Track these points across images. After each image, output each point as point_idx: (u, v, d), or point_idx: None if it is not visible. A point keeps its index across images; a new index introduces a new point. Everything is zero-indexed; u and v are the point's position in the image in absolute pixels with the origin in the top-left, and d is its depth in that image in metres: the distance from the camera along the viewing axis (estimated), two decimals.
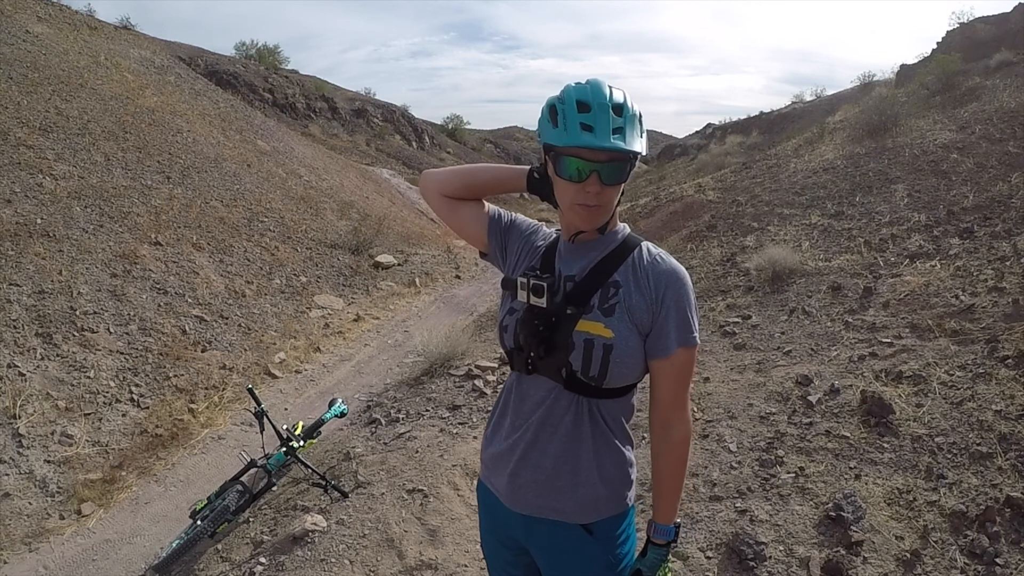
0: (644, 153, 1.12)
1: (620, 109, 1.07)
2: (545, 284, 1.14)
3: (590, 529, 1.20)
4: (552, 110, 1.12)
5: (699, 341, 1.16)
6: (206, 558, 3.12)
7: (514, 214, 1.41)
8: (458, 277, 10.02)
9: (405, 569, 2.58)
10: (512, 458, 1.21)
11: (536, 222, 1.40)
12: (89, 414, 4.42)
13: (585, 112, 1.06)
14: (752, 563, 2.32)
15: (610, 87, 1.09)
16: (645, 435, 2.87)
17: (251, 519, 3.36)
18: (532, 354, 1.16)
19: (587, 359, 1.12)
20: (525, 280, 1.16)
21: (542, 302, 1.14)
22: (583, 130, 1.06)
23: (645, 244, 1.22)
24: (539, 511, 1.21)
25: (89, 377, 4.68)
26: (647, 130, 1.16)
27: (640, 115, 1.12)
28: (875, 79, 20.46)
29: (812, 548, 2.35)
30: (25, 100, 7.66)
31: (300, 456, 3.29)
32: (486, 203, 1.40)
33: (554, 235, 1.31)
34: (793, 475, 2.80)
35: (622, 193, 1.18)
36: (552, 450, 1.17)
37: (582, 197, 1.11)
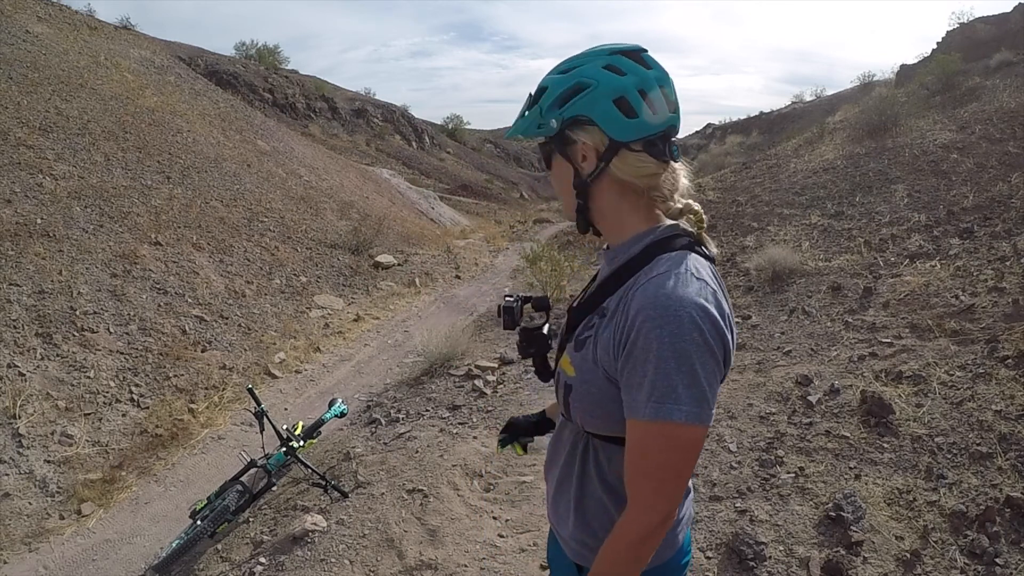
0: (530, 128, 0.95)
1: (533, 90, 0.98)
2: (501, 306, 1.10)
3: (582, 572, 1.06)
4: None
5: (680, 417, 0.78)
6: (206, 558, 3.12)
7: None
8: (458, 277, 10.01)
9: (405, 569, 2.58)
10: (546, 463, 1.16)
11: None
12: (89, 414, 4.42)
13: None
14: (752, 563, 2.32)
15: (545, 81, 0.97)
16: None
17: (251, 519, 3.36)
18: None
19: (557, 393, 1.02)
20: (500, 303, 1.13)
21: (500, 323, 1.11)
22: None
23: (664, 258, 0.88)
24: (553, 527, 1.14)
25: (89, 377, 4.68)
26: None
27: (538, 89, 0.95)
28: (875, 79, 20.51)
29: (812, 548, 2.35)
30: (25, 100, 7.66)
31: (300, 456, 3.29)
32: None
33: None
34: (793, 475, 2.80)
35: (580, 188, 0.96)
36: (556, 474, 1.09)
37: None
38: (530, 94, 0.97)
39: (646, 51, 0.93)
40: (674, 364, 0.78)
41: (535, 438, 1.39)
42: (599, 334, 0.90)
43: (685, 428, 0.79)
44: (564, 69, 0.93)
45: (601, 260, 1.05)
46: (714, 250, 0.97)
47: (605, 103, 0.88)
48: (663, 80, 0.91)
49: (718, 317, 0.82)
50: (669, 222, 0.96)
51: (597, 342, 0.89)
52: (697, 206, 0.98)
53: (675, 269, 0.85)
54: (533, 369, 1.15)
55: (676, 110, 0.92)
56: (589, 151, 0.92)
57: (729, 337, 0.85)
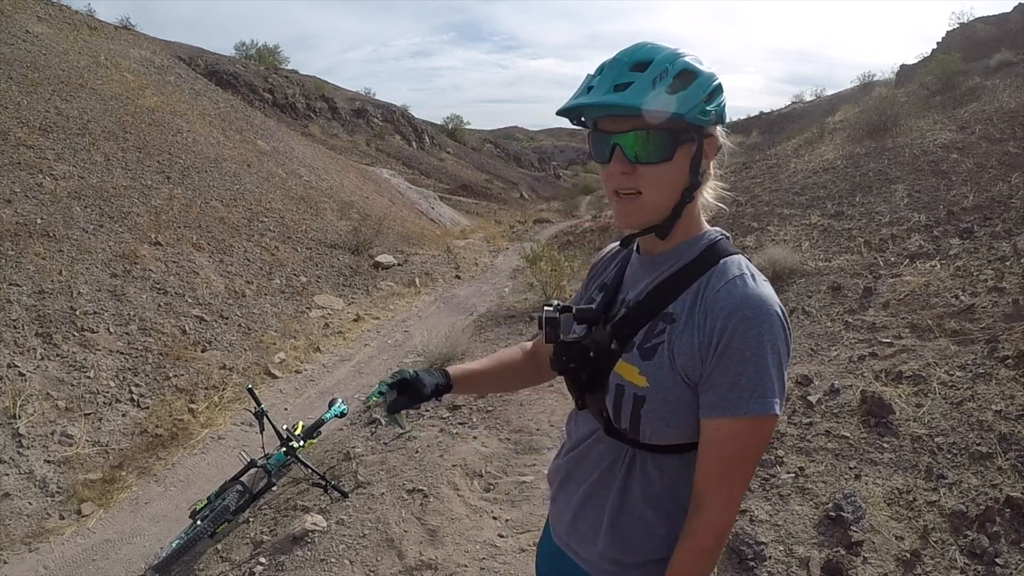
0: (684, 111, 0.84)
1: (643, 65, 0.84)
2: (544, 317, 0.99)
3: None
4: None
5: (775, 410, 0.82)
6: (206, 558, 3.12)
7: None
8: (458, 277, 10.02)
9: (405, 569, 2.58)
10: (556, 481, 1.11)
11: None
12: (89, 414, 4.42)
13: (599, 73, 0.88)
14: (752, 563, 2.32)
15: (654, 47, 0.87)
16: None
17: (251, 519, 3.36)
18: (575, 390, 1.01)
19: (617, 407, 0.93)
20: (540, 314, 1.00)
21: (542, 336, 0.99)
22: (583, 92, 0.88)
23: (731, 261, 0.90)
24: (567, 548, 1.09)
25: (89, 377, 4.68)
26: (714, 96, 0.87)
27: (687, 71, 0.85)
28: (875, 79, 20.51)
29: (812, 548, 2.35)
30: (25, 100, 7.66)
31: (300, 456, 3.29)
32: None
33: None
34: (793, 475, 2.80)
35: (692, 185, 0.90)
36: (584, 490, 1.02)
37: (614, 182, 0.90)
38: (663, 68, 0.84)
39: None
40: (770, 360, 0.82)
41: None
42: (673, 340, 0.87)
43: (774, 419, 0.84)
44: (699, 62, 0.87)
45: (636, 261, 1.02)
46: None
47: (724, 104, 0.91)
48: None
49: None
50: (710, 226, 0.99)
51: (674, 348, 0.87)
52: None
53: (747, 271, 0.88)
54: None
55: None
56: (714, 148, 0.92)
57: None
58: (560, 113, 0.93)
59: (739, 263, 0.90)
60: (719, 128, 0.92)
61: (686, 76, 0.85)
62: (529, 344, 1.34)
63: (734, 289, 0.85)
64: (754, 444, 0.86)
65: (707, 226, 0.97)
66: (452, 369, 1.22)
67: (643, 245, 1.00)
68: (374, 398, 1.17)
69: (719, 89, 0.88)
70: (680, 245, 0.94)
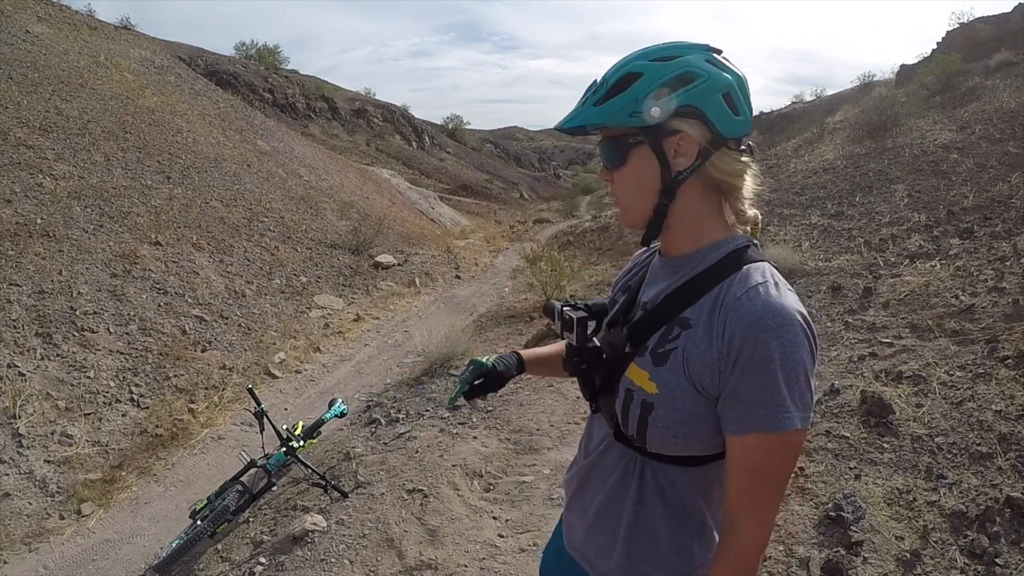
0: (618, 117, 0.85)
1: (609, 76, 0.87)
2: (575, 318, 0.95)
3: None
4: None
5: (799, 424, 0.78)
6: (206, 558, 3.12)
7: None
8: (458, 277, 10.02)
9: (405, 569, 2.58)
10: (571, 490, 1.09)
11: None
12: (89, 414, 4.42)
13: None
14: None
15: (628, 57, 0.88)
16: None
17: (251, 519, 3.36)
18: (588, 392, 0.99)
19: (624, 413, 0.90)
20: (560, 310, 0.98)
21: (572, 338, 0.95)
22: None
23: (755, 267, 0.86)
24: (582, 559, 1.06)
25: (89, 377, 4.68)
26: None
27: (629, 74, 0.85)
28: (875, 79, 20.50)
29: (812, 548, 2.35)
30: (25, 100, 7.66)
31: (300, 456, 3.29)
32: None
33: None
34: (793, 475, 2.80)
35: (665, 191, 0.88)
36: (598, 501, 1.00)
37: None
38: (604, 81, 0.87)
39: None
40: (794, 372, 0.78)
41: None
42: (688, 347, 0.84)
43: (801, 434, 0.79)
44: (660, 57, 0.85)
45: (657, 263, 1.00)
46: None
47: (715, 97, 0.84)
48: (746, 83, 0.90)
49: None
50: (741, 230, 0.94)
51: (687, 355, 0.84)
52: (757, 213, 0.95)
53: (771, 279, 0.84)
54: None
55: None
56: (690, 145, 0.85)
57: None
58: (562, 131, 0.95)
59: (763, 270, 0.85)
60: (691, 122, 0.84)
61: (626, 80, 0.85)
62: None
63: (756, 297, 0.80)
64: (784, 460, 0.82)
65: (734, 231, 0.92)
66: (524, 353, 1.28)
67: (664, 247, 0.97)
68: (458, 394, 1.20)
69: (680, 80, 0.83)
70: (702, 249, 0.90)
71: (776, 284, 0.83)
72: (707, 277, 0.87)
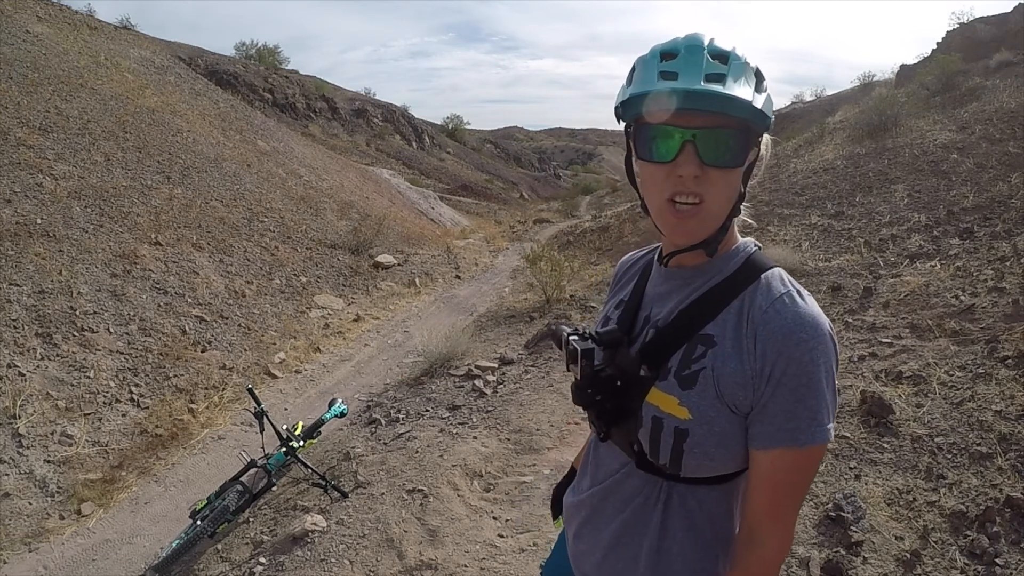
0: (767, 115, 0.78)
1: (723, 57, 0.76)
2: (580, 350, 0.86)
3: None
4: (631, 72, 0.83)
5: (829, 436, 0.76)
6: (206, 558, 3.12)
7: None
8: (458, 277, 10.02)
9: (405, 569, 2.58)
10: (578, 517, 1.02)
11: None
12: (89, 414, 4.42)
13: (670, 60, 0.78)
14: None
15: (713, 38, 0.79)
16: None
17: (251, 519, 3.36)
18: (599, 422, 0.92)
19: (654, 442, 0.83)
20: (566, 339, 0.89)
21: (577, 371, 0.87)
22: (663, 79, 0.77)
23: (773, 275, 0.82)
24: None
25: (89, 377, 4.68)
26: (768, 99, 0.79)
27: (759, 70, 0.79)
28: (875, 79, 20.49)
29: (812, 548, 2.35)
30: (25, 100, 7.66)
31: (300, 456, 3.29)
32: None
33: (650, 254, 1.00)
34: None
35: (742, 196, 0.83)
36: (614, 528, 0.94)
37: (672, 185, 0.79)
38: (746, 63, 0.77)
39: None
40: (825, 384, 0.76)
41: None
42: (718, 366, 0.79)
43: (826, 446, 0.78)
44: (734, 48, 0.79)
45: (657, 275, 0.93)
46: None
47: None
48: None
49: None
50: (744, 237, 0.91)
51: (718, 375, 0.79)
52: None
53: (792, 287, 0.81)
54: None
55: None
56: (757, 156, 0.84)
57: None
58: (629, 100, 0.80)
59: (781, 278, 0.82)
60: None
61: (760, 76, 0.79)
62: None
63: (784, 309, 0.77)
64: (809, 472, 0.80)
65: (740, 236, 0.89)
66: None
67: (675, 256, 0.88)
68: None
69: (759, 77, 0.81)
70: (716, 258, 0.85)
71: (799, 292, 0.80)
72: (725, 289, 0.83)
